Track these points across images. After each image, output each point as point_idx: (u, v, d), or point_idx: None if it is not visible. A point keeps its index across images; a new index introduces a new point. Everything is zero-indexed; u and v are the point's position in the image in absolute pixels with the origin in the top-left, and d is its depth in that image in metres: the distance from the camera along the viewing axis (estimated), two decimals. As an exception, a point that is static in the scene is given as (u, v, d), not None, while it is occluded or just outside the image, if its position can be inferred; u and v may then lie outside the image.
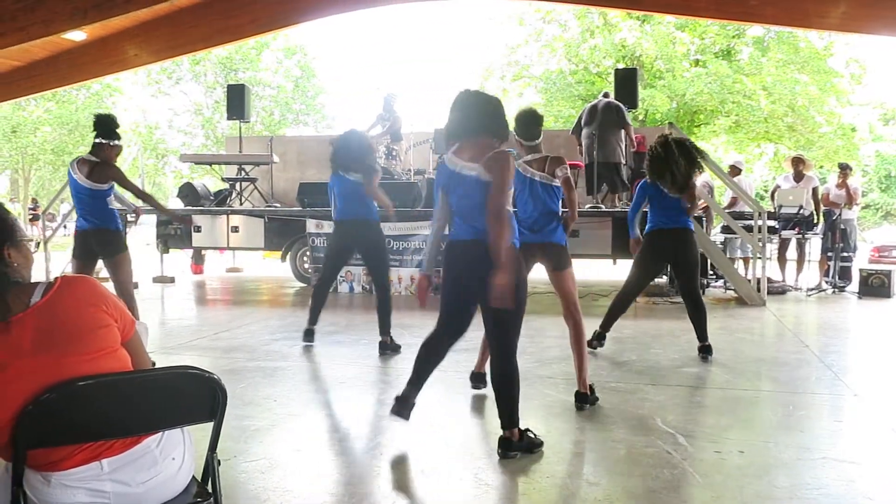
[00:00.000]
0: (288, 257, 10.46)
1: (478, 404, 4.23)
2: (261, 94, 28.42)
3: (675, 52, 20.46)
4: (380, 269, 5.76)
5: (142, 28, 12.59)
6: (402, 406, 3.54)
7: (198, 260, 12.58)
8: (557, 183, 4.33)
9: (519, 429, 3.30)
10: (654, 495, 2.83)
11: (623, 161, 9.32)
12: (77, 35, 12.14)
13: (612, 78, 10.84)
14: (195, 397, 1.70)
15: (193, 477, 1.86)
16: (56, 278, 1.69)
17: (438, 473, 3.10)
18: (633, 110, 11.00)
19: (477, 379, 4.49)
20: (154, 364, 1.87)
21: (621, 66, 16.90)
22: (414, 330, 6.49)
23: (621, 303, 5.71)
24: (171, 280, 10.96)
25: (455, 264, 3.37)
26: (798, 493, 2.86)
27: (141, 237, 14.82)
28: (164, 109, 29.47)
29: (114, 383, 1.57)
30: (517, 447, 3.26)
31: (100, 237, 5.18)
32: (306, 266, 10.38)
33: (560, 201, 4.42)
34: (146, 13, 11.64)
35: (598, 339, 5.68)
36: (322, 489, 2.89)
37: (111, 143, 5.16)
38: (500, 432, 3.29)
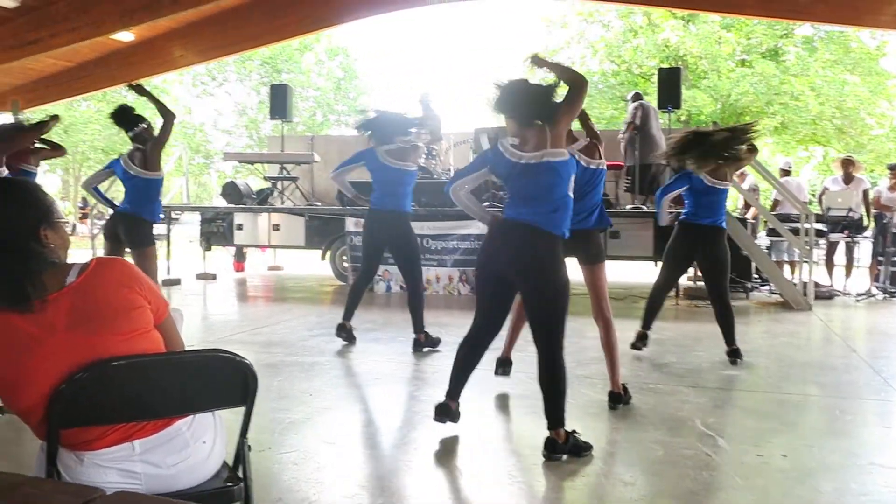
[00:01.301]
0: (328, 256, 10.53)
1: (511, 401, 4.19)
2: (304, 96, 28.72)
3: (719, 52, 20.10)
4: (410, 264, 5.67)
5: (188, 29, 12.82)
6: (445, 413, 3.49)
7: (240, 258, 12.73)
8: (595, 165, 4.09)
9: (565, 430, 3.21)
10: (691, 497, 2.77)
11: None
12: (125, 36, 12.41)
13: (655, 78, 10.69)
14: (226, 381, 1.69)
15: (225, 462, 1.86)
16: (91, 259, 1.71)
17: (470, 471, 3.07)
18: (677, 111, 10.84)
19: (504, 364, 4.43)
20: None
21: (664, 66, 16.64)
22: (451, 329, 6.46)
23: (656, 298, 5.64)
24: (213, 277, 11.11)
25: (501, 248, 3.27)
26: (843, 500, 2.77)
27: (184, 234, 15.07)
28: (209, 110, 29.96)
29: (146, 364, 1.58)
30: (562, 449, 3.16)
31: (129, 223, 5.24)
32: (345, 265, 10.44)
33: (601, 185, 4.18)
34: (192, 14, 11.84)
35: (641, 339, 5.55)
36: (354, 482, 2.89)
37: (141, 127, 5.33)
38: (536, 430, 3.24)
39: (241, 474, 1.78)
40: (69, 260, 1.76)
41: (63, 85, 14.46)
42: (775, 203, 10.08)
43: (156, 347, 1.69)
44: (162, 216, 5.82)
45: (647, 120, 9.32)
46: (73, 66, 13.86)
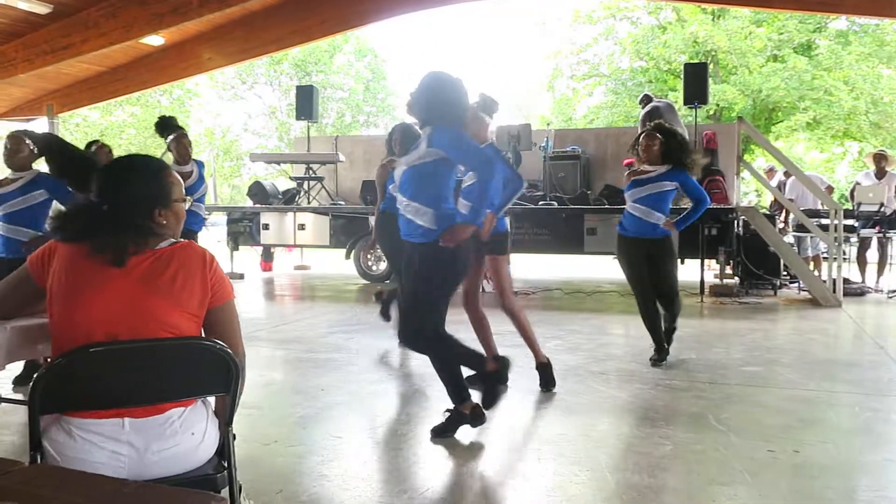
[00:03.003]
0: (352, 255, 10.57)
1: (518, 398, 4.16)
2: (332, 97, 28.92)
3: (749, 47, 19.77)
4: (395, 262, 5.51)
5: (216, 32, 12.99)
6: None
7: (267, 257, 12.85)
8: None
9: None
10: (696, 492, 2.72)
11: None
12: (155, 40, 12.60)
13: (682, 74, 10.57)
14: (208, 369, 1.71)
15: (216, 455, 1.88)
16: (184, 241, 1.90)
17: (476, 465, 3.06)
18: (704, 106, 10.71)
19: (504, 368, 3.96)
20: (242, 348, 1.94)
21: (691, 62, 16.43)
22: (469, 326, 6.46)
23: (645, 315, 5.02)
24: (241, 276, 11.22)
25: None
26: (853, 496, 2.71)
27: (212, 235, 15.26)
28: (240, 113, 30.32)
29: (125, 351, 1.60)
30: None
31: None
32: (370, 263, 10.48)
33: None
34: (220, 17, 11.99)
35: (659, 352, 4.96)
36: (355, 475, 2.89)
37: (172, 136, 5.88)
38: (541, 424, 3.23)
39: (225, 462, 1.79)
40: None
41: (96, 89, 14.75)
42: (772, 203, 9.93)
43: (191, 331, 1.80)
44: (204, 225, 6.20)
45: (654, 118, 9.21)
46: (106, 71, 14.13)
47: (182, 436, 1.73)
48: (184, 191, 2.00)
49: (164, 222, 1.89)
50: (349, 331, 5.99)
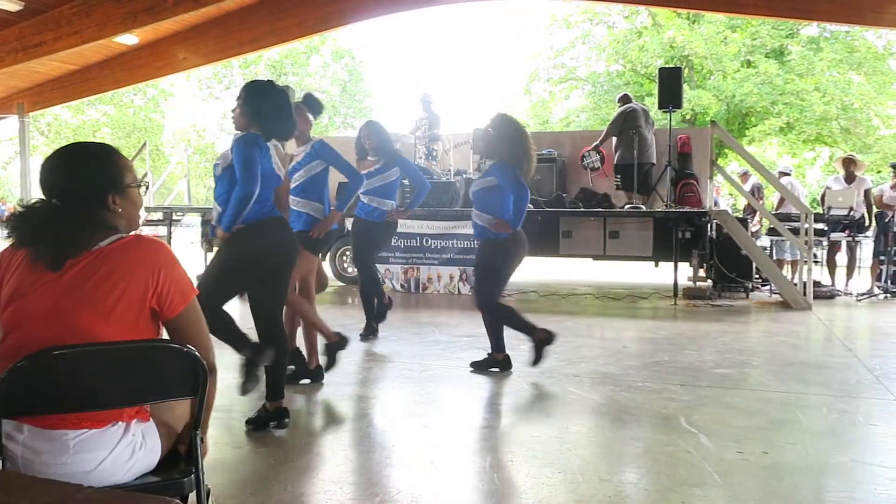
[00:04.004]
0: (328, 257, 10.52)
1: (490, 400, 4.17)
2: (310, 99, 28.81)
3: (725, 52, 20.02)
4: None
5: (191, 32, 12.89)
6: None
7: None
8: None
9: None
10: (665, 492, 2.74)
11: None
12: (129, 39, 12.48)
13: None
14: (176, 373, 1.68)
15: (179, 454, 1.85)
16: (133, 235, 1.77)
17: (447, 466, 3.05)
18: (679, 110, 10.82)
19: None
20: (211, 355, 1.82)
21: (666, 66, 16.60)
22: (445, 328, 6.48)
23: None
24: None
25: None
26: (821, 496, 2.75)
27: (186, 237, 15.10)
28: (216, 113, 30.11)
29: (90, 354, 1.57)
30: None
31: None
32: (346, 266, 10.44)
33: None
34: (195, 17, 11.90)
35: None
36: (327, 478, 2.88)
37: None
38: (519, 428, 3.23)
39: (192, 467, 1.77)
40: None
41: (68, 88, 14.57)
42: (780, 202, 10.04)
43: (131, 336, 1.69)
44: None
45: (636, 120, 9.34)
46: (79, 70, 13.96)
47: (123, 449, 1.69)
48: (137, 176, 1.90)
49: (119, 210, 1.79)
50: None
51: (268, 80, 3.55)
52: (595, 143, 9.79)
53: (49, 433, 1.62)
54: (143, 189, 1.88)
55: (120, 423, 1.69)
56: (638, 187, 9.15)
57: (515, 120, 4.84)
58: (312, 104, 4.52)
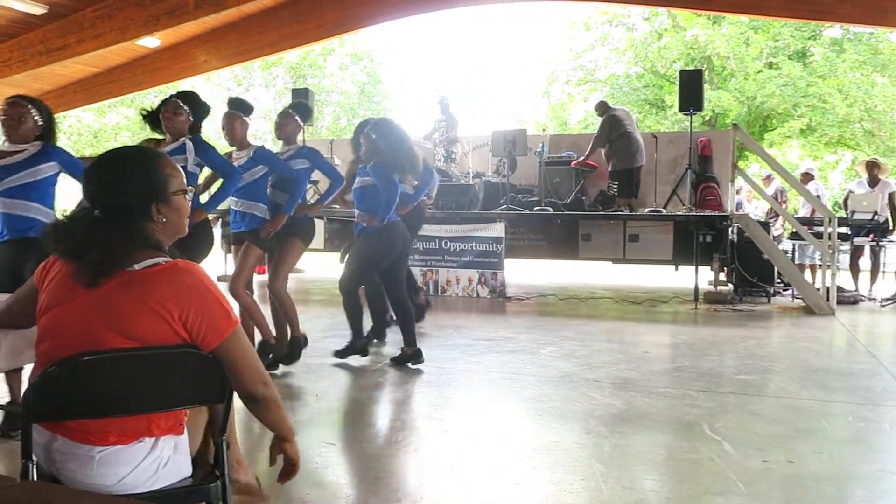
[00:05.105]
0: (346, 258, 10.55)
1: (512, 405, 4.15)
2: (328, 101, 28.92)
3: (747, 53, 19.85)
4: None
5: (212, 34, 12.99)
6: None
7: (262, 260, 12.79)
8: None
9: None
10: (691, 501, 2.72)
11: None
12: (151, 42, 12.59)
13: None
14: (201, 379, 1.68)
15: (205, 459, 1.87)
16: (170, 262, 1.68)
17: (470, 472, 3.04)
18: (700, 113, 10.74)
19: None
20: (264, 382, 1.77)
21: (686, 68, 16.51)
22: (464, 332, 6.46)
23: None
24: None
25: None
26: (847, 506, 2.70)
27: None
28: (236, 115, 30.26)
29: (118, 360, 1.58)
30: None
31: None
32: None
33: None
34: (215, 20, 11.97)
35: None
36: (348, 483, 2.88)
37: None
38: (539, 432, 3.21)
39: (218, 472, 1.78)
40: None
41: (91, 90, 14.73)
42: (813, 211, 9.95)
43: None
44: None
45: (620, 125, 9.26)
46: (101, 72, 14.11)
47: (148, 466, 1.68)
48: (185, 181, 1.83)
49: (164, 220, 1.73)
50: (343, 335, 5.94)
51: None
52: (582, 158, 9.74)
53: (76, 446, 1.62)
54: (189, 195, 1.81)
55: (147, 438, 1.67)
56: (630, 191, 9.11)
57: (397, 126, 5.24)
58: (303, 110, 5.06)
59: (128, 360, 1.60)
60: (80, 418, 1.60)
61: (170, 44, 13.14)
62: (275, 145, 5.21)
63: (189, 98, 4.32)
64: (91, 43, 11.61)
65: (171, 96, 4.31)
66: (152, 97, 28.81)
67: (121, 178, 1.71)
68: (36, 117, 3.60)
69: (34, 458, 1.60)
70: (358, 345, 5.18)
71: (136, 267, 1.63)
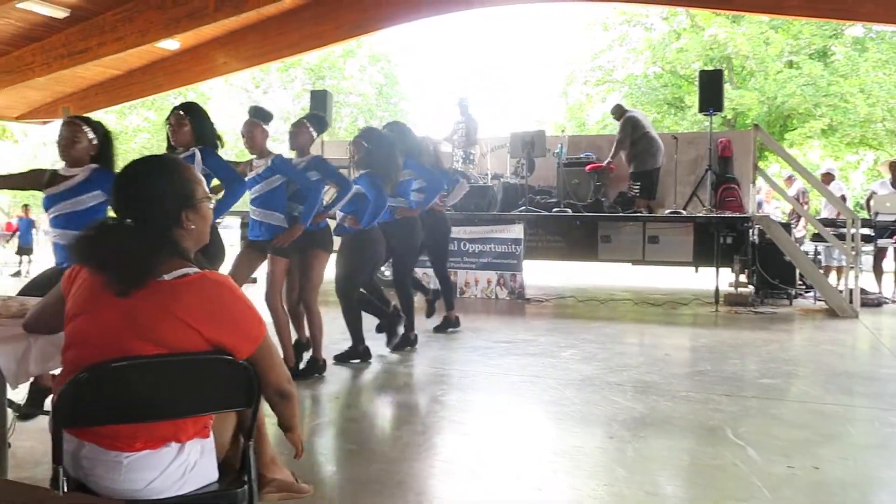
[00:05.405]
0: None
1: (534, 408, 4.14)
2: (346, 102, 29.02)
3: (767, 53, 19.68)
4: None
5: (231, 37, 13.07)
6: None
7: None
8: None
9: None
10: (715, 508, 2.70)
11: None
12: (171, 44, 12.70)
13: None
14: (229, 384, 1.69)
15: (231, 464, 1.88)
16: (199, 273, 1.69)
17: (491, 477, 3.04)
18: (720, 113, 10.67)
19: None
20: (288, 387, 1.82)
21: (706, 69, 16.38)
22: (483, 334, 6.46)
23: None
24: (254, 281, 11.22)
25: None
26: (875, 514, 2.67)
27: (227, 239, 15.30)
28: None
29: (147, 366, 1.59)
30: None
31: None
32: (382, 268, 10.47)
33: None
34: (235, 22, 12.05)
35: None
36: (368, 487, 2.88)
37: None
38: (561, 436, 3.20)
39: (245, 476, 1.79)
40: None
41: (112, 92, 14.87)
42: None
43: None
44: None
45: (640, 126, 9.25)
46: (122, 74, 14.24)
47: (175, 470, 1.69)
48: (206, 188, 1.86)
49: (193, 227, 1.75)
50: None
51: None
52: (607, 161, 9.72)
53: (103, 452, 1.63)
54: (211, 202, 1.83)
55: (174, 443, 1.68)
56: (650, 193, 9.10)
57: (387, 135, 5.46)
58: (318, 121, 5.06)
59: (157, 366, 1.61)
60: (110, 424, 1.61)
61: (189, 46, 13.24)
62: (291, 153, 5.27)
63: (191, 109, 4.32)
64: (112, 46, 11.72)
65: (175, 108, 4.31)
66: (172, 99, 29.11)
67: (152, 187, 1.73)
68: (91, 137, 3.56)
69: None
70: (360, 349, 5.26)
71: (166, 277, 1.65)
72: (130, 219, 1.72)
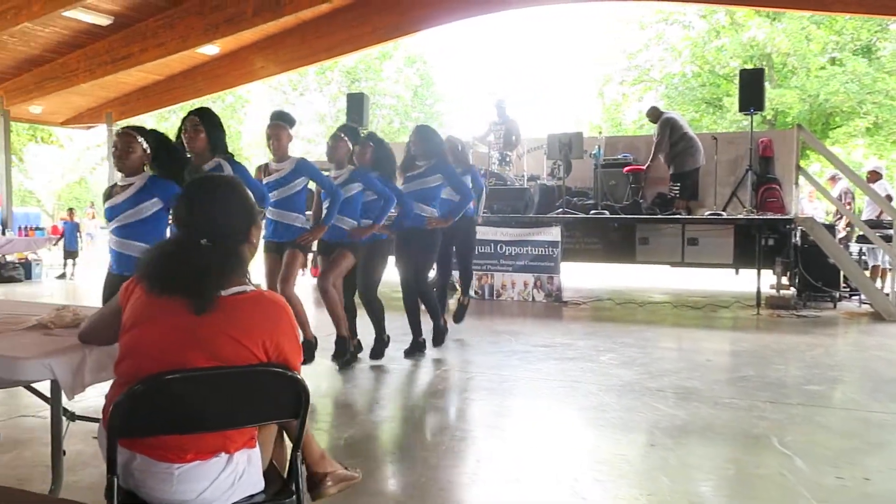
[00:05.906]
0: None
1: (574, 415, 4.11)
2: (381, 104, 29.15)
3: (808, 50, 19.30)
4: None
5: (269, 41, 13.22)
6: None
7: (316, 263, 12.97)
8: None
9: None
10: (762, 520, 2.65)
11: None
12: (210, 49, 12.88)
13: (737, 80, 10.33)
14: (279, 395, 1.72)
15: (278, 474, 1.90)
16: (255, 291, 1.75)
17: (533, 485, 3.03)
18: (761, 112, 10.49)
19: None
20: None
21: (748, 67, 16.10)
22: (521, 337, 6.43)
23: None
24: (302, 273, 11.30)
25: None
26: (929, 528, 2.60)
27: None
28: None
29: (200, 378, 1.62)
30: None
31: None
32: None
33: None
34: (273, 27, 12.19)
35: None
36: (408, 494, 2.89)
37: None
38: (600, 443, 3.18)
39: (293, 486, 1.80)
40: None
41: (153, 97, 15.16)
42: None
43: None
44: None
45: (679, 127, 9.12)
46: (163, 79, 14.51)
47: (225, 479, 1.72)
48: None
49: (255, 241, 1.83)
50: (401, 340, 5.99)
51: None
52: (647, 164, 9.61)
53: (154, 463, 1.67)
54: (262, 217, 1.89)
55: (224, 454, 1.72)
56: (691, 193, 8.98)
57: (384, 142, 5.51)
58: (353, 133, 5.26)
59: (210, 378, 1.64)
60: (164, 434, 1.64)
61: (228, 51, 13.43)
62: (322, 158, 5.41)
63: (205, 116, 4.23)
64: (154, 52, 11.94)
65: (190, 113, 4.25)
66: (211, 104, 29.58)
67: (227, 206, 1.78)
68: (144, 146, 3.56)
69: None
70: (420, 340, 5.66)
71: (223, 293, 1.69)
72: (205, 238, 1.74)
